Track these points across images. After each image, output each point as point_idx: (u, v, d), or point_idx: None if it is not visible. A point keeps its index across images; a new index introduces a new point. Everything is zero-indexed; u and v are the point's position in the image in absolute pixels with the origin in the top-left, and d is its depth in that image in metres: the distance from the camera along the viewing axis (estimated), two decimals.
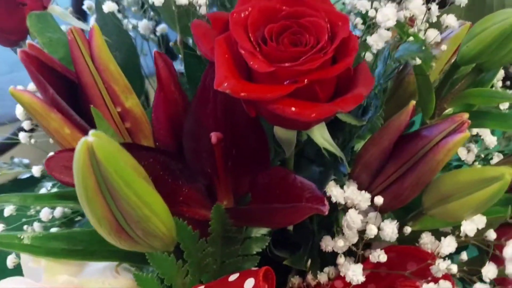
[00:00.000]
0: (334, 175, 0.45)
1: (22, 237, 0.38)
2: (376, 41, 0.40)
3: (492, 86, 0.55)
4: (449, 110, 0.48)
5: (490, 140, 0.50)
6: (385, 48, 0.44)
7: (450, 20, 0.42)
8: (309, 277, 0.44)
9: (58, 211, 0.48)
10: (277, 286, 0.38)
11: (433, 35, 0.42)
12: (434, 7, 0.43)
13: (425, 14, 0.42)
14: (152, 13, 0.53)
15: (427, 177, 0.41)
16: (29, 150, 0.52)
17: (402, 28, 0.40)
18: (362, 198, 0.43)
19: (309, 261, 0.46)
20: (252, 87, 0.37)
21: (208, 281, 0.41)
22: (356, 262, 0.42)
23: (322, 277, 0.44)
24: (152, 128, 0.44)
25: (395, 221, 0.41)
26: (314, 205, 0.36)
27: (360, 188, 0.44)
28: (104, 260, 0.40)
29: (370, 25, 0.42)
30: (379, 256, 0.40)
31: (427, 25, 0.42)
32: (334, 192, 0.43)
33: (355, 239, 0.42)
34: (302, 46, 0.38)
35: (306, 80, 0.36)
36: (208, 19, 0.40)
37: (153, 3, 0.40)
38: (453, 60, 0.45)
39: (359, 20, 0.51)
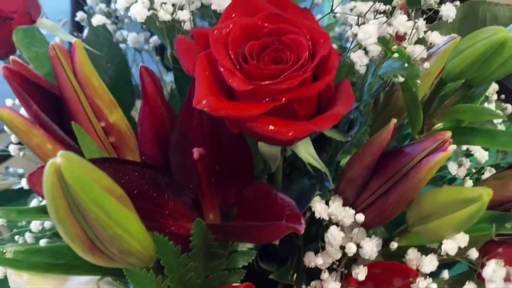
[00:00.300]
0: (319, 190, 0.45)
1: (4, 251, 0.39)
2: (360, 57, 0.40)
3: (487, 99, 0.55)
4: (438, 125, 0.48)
5: (481, 155, 0.49)
6: (373, 63, 0.44)
7: (434, 37, 0.41)
8: None
9: (48, 223, 0.48)
10: None
11: (419, 50, 0.41)
12: (421, 22, 0.42)
13: (412, 30, 0.41)
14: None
15: (410, 194, 0.40)
16: (26, 160, 0.53)
17: (386, 44, 0.40)
18: (346, 214, 0.43)
19: (295, 275, 0.47)
20: (230, 105, 0.37)
21: None
22: (340, 278, 0.42)
23: None
24: (138, 142, 0.44)
25: (376, 238, 0.41)
26: (290, 224, 0.36)
27: (346, 203, 0.44)
28: (86, 274, 0.41)
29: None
30: (357, 274, 0.40)
31: (413, 41, 0.42)
32: (318, 208, 0.43)
33: (338, 255, 0.42)
34: (283, 63, 0.38)
35: (284, 99, 0.36)
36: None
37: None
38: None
39: (350, 33, 0.51)
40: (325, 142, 0.48)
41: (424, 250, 0.43)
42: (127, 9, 0.41)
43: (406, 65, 0.38)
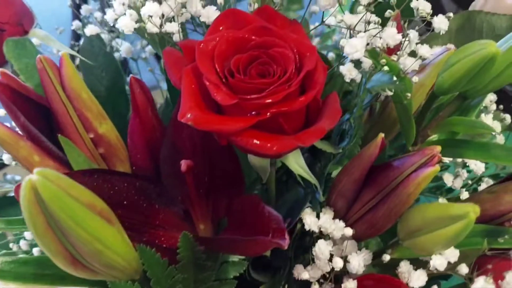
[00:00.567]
0: (310, 202, 0.44)
1: None
2: (349, 70, 0.40)
3: (486, 109, 0.54)
4: (433, 137, 0.47)
5: (477, 167, 0.49)
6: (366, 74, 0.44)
7: (423, 50, 0.41)
8: None
9: None
10: None
11: (410, 62, 0.41)
12: (413, 34, 0.42)
13: (402, 43, 0.41)
14: None
15: (399, 208, 0.40)
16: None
17: (375, 57, 0.39)
18: (336, 227, 0.42)
19: (286, 286, 0.46)
20: (214, 119, 0.36)
21: None
22: None
23: None
24: (128, 153, 0.44)
25: (365, 252, 0.41)
26: (274, 239, 0.36)
27: (337, 215, 0.44)
28: (74, 285, 0.41)
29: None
30: (347, 287, 0.39)
31: (405, 53, 0.41)
32: (308, 220, 0.43)
33: (327, 268, 0.41)
34: (270, 76, 0.37)
35: (269, 113, 0.36)
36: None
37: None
38: None
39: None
40: (320, 151, 0.48)
41: (417, 263, 0.43)
42: (116, 20, 0.41)
43: (395, 78, 0.38)
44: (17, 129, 0.40)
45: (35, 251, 0.48)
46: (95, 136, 0.41)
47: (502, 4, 0.47)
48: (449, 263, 0.40)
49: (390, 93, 0.38)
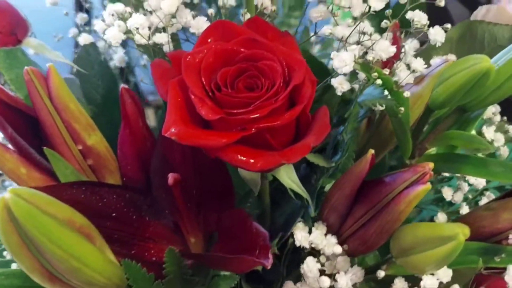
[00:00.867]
0: (303, 216, 0.43)
1: None
2: (341, 83, 0.39)
3: (489, 120, 0.53)
4: (432, 150, 0.46)
5: (478, 181, 0.48)
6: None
7: (416, 64, 0.39)
8: None
9: None
10: None
11: (405, 75, 0.40)
12: (408, 46, 0.41)
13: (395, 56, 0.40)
14: None
15: (391, 226, 0.39)
16: None
17: (367, 70, 0.38)
18: (327, 243, 0.41)
19: None
20: (199, 134, 0.36)
21: None
22: None
23: None
24: (118, 164, 0.44)
25: (355, 270, 0.40)
26: (257, 258, 0.35)
27: (330, 229, 0.43)
28: None
29: None
30: None
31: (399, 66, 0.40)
32: (299, 235, 0.42)
33: (316, 286, 0.41)
34: (258, 89, 0.37)
35: (253, 129, 0.35)
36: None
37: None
38: None
39: None
40: (316, 165, 0.47)
41: (413, 280, 0.42)
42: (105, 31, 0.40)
43: (386, 93, 0.37)
44: (5, 140, 0.40)
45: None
46: (84, 147, 0.41)
47: (505, 14, 0.45)
48: (441, 282, 0.39)
49: (381, 108, 0.37)
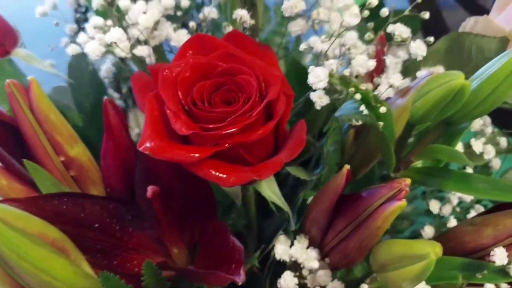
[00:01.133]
0: (285, 229, 0.43)
1: None
2: (320, 97, 0.39)
3: (481, 132, 0.52)
4: (418, 163, 0.46)
5: (465, 195, 0.47)
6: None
7: (394, 79, 0.39)
8: None
9: None
10: None
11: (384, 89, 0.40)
12: (389, 60, 0.40)
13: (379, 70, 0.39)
14: None
15: (370, 240, 0.39)
16: None
17: (346, 85, 0.38)
18: (307, 257, 0.41)
19: None
20: (172, 149, 0.36)
21: None
22: None
23: None
24: (102, 175, 0.44)
25: (331, 286, 0.40)
26: (229, 275, 0.35)
27: (312, 242, 0.43)
28: None
29: None
30: None
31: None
32: (279, 249, 0.42)
33: None
34: (235, 104, 0.37)
35: (227, 144, 0.35)
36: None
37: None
38: None
39: None
40: None
41: None
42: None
43: (362, 108, 0.36)
44: None
45: None
46: (66, 159, 0.41)
47: (492, 26, 0.45)
48: None
49: (358, 123, 0.37)
